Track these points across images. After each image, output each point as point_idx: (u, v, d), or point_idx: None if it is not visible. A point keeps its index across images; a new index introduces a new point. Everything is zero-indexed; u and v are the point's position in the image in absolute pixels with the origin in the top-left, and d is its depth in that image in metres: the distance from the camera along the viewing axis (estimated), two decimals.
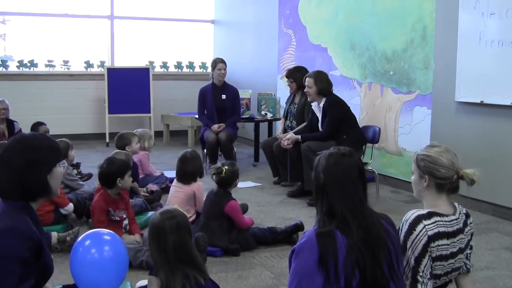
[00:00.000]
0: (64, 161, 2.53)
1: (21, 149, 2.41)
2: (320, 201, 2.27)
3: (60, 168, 2.50)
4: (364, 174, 2.30)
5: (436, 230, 2.39)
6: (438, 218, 2.42)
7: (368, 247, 2.15)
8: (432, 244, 2.37)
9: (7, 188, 2.38)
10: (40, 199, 2.49)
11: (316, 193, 2.30)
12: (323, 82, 5.82)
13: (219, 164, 4.40)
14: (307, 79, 5.87)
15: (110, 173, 4.19)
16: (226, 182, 4.33)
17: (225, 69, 7.29)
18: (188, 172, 4.66)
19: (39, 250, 2.34)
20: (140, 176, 5.84)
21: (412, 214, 2.43)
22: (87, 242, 2.86)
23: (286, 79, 6.72)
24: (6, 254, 2.24)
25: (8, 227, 2.28)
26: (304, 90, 5.93)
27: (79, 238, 2.89)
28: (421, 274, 2.37)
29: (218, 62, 7.33)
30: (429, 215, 2.42)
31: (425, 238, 2.37)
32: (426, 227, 2.38)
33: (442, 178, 2.46)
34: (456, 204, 2.56)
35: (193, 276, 2.54)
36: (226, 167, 4.30)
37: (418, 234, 2.37)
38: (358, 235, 2.16)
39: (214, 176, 4.34)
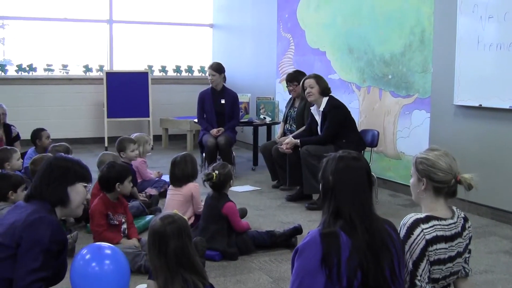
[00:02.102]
0: (90, 185, 2.87)
1: (51, 162, 2.81)
2: (327, 202, 2.28)
3: (83, 188, 2.81)
4: (371, 179, 2.33)
5: (434, 234, 2.38)
6: (436, 222, 2.42)
7: (372, 251, 2.17)
8: (430, 248, 2.37)
9: (34, 190, 2.74)
10: (62, 210, 2.77)
11: (324, 194, 2.32)
12: (324, 81, 5.83)
13: (209, 169, 4.37)
14: (306, 80, 5.85)
15: (110, 177, 4.19)
16: (220, 185, 4.33)
17: (213, 75, 7.21)
18: (178, 175, 4.67)
19: (63, 247, 2.65)
20: (139, 181, 5.85)
21: (410, 218, 2.43)
22: (88, 256, 2.88)
23: (288, 83, 6.65)
24: (37, 240, 2.51)
25: (43, 217, 2.59)
26: (306, 92, 5.85)
27: (84, 251, 2.92)
28: (419, 278, 2.36)
29: (208, 68, 7.36)
30: (427, 219, 2.42)
31: (423, 242, 2.36)
32: (424, 231, 2.38)
33: (440, 182, 2.46)
34: (454, 208, 2.56)
35: (192, 281, 2.53)
36: (216, 171, 4.28)
37: (416, 238, 2.37)
38: (364, 238, 2.17)
39: (206, 183, 4.33)
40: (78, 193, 2.78)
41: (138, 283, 3.50)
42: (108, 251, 2.91)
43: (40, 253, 2.51)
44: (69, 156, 3.00)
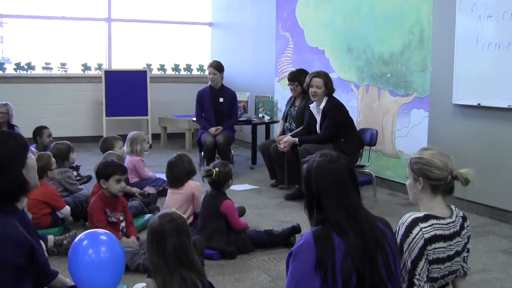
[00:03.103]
0: (32, 148, 2.41)
1: None
2: (314, 213, 2.27)
3: (32, 158, 2.41)
4: (355, 175, 2.30)
5: (432, 233, 2.39)
6: (434, 221, 2.42)
7: (366, 254, 2.16)
8: (429, 247, 2.37)
9: None
10: (23, 198, 2.42)
11: (309, 204, 2.30)
12: (331, 82, 5.81)
13: (210, 166, 4.39)
14: (314, 79, 5.79)
15: (96, 172, 4.29)
16: (219, 183, 4.33)
17: (215, 74, 7.21)
18: (174, 176, 4.68)
19: (32, 253, 2.27)
20: (137, 180, 5.84)
21: (408, 217, 2.43)
22: (85, 243, 2.83)
23: (289, 82, 6.67)
24: None
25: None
26: (312, 90, 5.80)
27: (77, 239, 2.86)
28: (417, 277, 2.37)
29: (209, 67, 7.34)
30: (426, 218, 2.42)
31: (422, 241, 2.37)
32: (423, 230, 2.38)
33: (436, 179, 2.46)
34: (453, 207, 2.57)
35: (190, 279, 2.53)
36: (217, 169, 4.30)
37: (415, 237, 2.37)
38: (356, 240, 2.16)
39: (205, 179, 4.34)
40: (32, 169, 2.41)
41: (137, 281, 3.50)
42: (104, 237, 2.88)
43: (10, 275, 2.18)
44: None
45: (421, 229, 2.38)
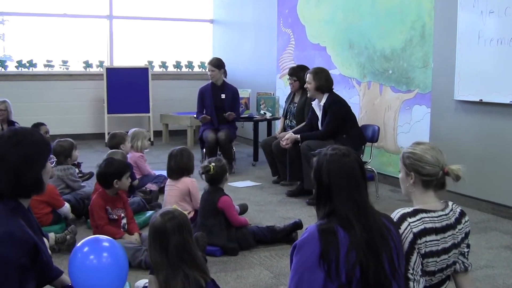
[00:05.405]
0: (52, 156, 2.49)
1: (15, 143, 2.32)
2: (322, 203, 2.28)
3: (50, 164, 2.45)
4: (364, 171, 2.33)
5: (421, 227, 2.39)
6: (424, 215, 2.42)
7: (371, 248, 2.17)
8: (419, 241, 2.37)
9: (2, 185, 2.29)
10: (31, 197, 2.43)
11: (318, 196, 2.31)
12: (321, 79, 5.81)
13: (205, 162, 4.39)
14: (307, 74, 5.89)
15: (108, 173, 4.20)
16: (216, 179, 4.33)
17: (213, 71, 7.23)
18: (173, 168, 4.70)
19: (36, 252, 2.27)
20: (138, 176, 5.84)
21: (397, 213, 2.45)
22: (86, 248, 2.75)
23: (288, 77, 6.70)
24: (3, 261, 2.15)
25: (2, 233, 2.19)
26: (304, 86, 5.95)
27: (79, 244, 2.80)
28: (411, 271, 2.37)
29: (207, 64, 7.35)
30: (415, 213, 2.42)
31: (411, 236, 2.37)
32: (411, 224, 2.38)
33: (428, 175, 2.47)
34: (450, 202, 2.56)
35: (193, 276, 2.53)
36: (213, 164, 4.31)
37: (403, 232, 2.38)
38: (361, 235, 2.17)
39: (203, 175, 4.35)
40: (48, 173, 2.45)
41: (139, 278, 3.50)
42: (106, 244, 2.81)
43: (14, 273, 2.18)
44: (21, 130, 2.47)
45: (409, 224, 2.38)
